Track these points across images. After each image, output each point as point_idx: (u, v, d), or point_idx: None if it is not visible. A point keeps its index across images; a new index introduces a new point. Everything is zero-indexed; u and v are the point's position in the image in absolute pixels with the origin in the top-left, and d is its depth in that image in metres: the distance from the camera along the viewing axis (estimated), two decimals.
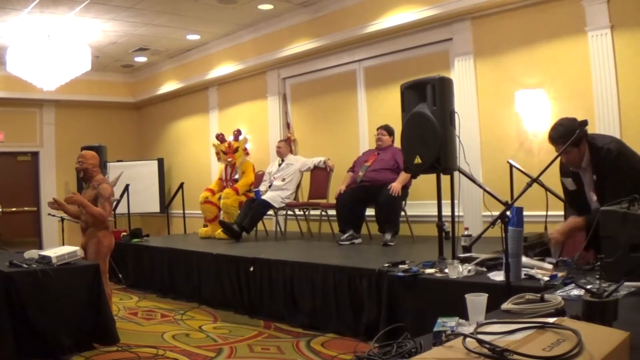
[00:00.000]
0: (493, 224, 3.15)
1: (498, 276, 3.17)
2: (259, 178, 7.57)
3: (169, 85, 9.83)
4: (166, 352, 4.03)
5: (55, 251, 4.28)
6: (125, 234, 7.45)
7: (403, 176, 5.61)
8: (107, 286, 4.63)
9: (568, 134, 3.20)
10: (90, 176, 4.77)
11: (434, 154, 4.19)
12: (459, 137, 4.28)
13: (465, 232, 4.26)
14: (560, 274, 2.96)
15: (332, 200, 6.40)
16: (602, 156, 3.23)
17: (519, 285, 2.88)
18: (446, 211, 4.35)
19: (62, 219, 8.19)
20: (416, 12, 6.14)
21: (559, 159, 3.37)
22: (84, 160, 4.77)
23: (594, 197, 3.36)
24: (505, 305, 2.09)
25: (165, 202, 9.77)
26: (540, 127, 5.55)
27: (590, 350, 1.25)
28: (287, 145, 7.49)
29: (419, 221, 6.22)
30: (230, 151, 7.54)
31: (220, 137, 7.83)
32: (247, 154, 7.89)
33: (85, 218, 4.70)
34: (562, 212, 4.08)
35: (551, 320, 1.46)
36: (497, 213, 2.95)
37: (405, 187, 5.75)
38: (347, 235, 5.84)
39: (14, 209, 9.69)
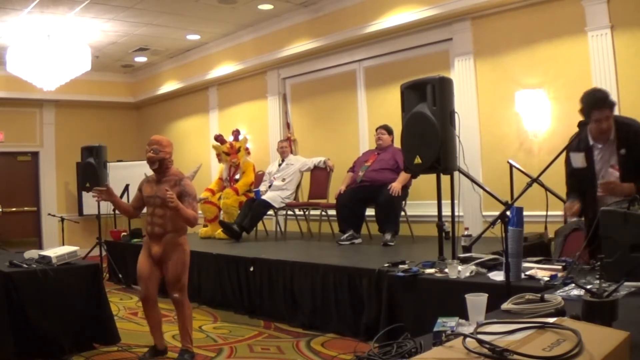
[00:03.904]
0: (493, 224, 3.14)
1: (498, 276, 3.17)
2: (259, 178, 7.57)
3: (169, 85, 9.83)
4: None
5: (55, 251, 4.28)
6: (125, 234, 7.44)
7: (403, 176, 5.61)
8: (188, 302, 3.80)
9: (611, 100, 3.10)
10: (167, 167, 3.83)
11: (434, 154, 4.18)
12: (459, 137, 4.28)
13: (465, 232, 4.28)
14: (560, 274, 2.96)
15: (332, 200, 6.40)
16: (633, 129, 3.16)
17: (519, 285, 2.88)
18: (446, 211, 4.35)
19: (62, 219, 8.18)
20: (416, 12, 6.14)
21: (565, 146, 3.30)
22: (160, 147, 3.79)
23: (616, 174, 3.27)
24: (505, 305, 2.09)
25: None
26: (540, 127, 5.56)
27: (590, 350, 1.25)
28: (289, 145, 7.50)
29: (419, 221, 6.22)
30: (233, 152, 7.50)
31: (220, 139, 7.71)
32: (249, 153, 7.89)
33: (163, 222, 3.71)
34: (561, 212, 4.08)
35: (551, 320, 1.46)
36: (497, 213, 2.95)
37: (405, 187, 5.75)
38: (347, 235, 5.84)
39: (14, 209, 9.68)
